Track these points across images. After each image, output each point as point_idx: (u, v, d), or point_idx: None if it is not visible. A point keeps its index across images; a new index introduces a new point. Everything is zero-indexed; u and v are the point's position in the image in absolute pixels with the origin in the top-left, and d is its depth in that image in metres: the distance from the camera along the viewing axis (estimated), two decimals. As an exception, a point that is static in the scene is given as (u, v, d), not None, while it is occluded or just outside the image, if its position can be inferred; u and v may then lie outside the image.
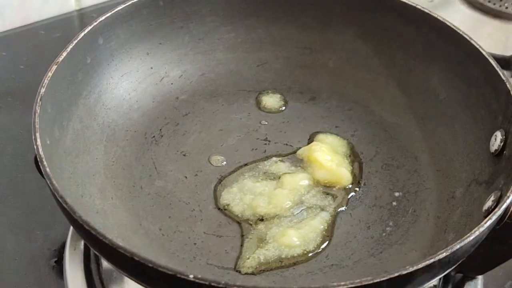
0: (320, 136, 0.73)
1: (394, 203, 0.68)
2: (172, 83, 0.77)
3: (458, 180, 0.68)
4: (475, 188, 0.65)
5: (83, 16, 1.00)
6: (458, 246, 0.54)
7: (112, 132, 0.71)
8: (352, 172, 0.70)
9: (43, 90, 0.63)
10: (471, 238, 0.54)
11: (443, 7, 0.99)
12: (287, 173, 0.69)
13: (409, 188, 0.69)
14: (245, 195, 0.67)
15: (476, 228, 0.55)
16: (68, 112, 0.68)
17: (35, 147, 0.59)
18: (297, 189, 0.67)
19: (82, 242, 0.70)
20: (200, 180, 0.70)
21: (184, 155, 0.72)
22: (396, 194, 0.69)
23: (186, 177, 0.70)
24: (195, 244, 0.64)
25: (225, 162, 0.71)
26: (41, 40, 0.97)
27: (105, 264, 0.69)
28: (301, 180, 0.68)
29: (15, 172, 0.80)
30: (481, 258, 0.65)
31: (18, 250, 0.73)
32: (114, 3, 0.99)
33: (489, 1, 0.96)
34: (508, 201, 0.58)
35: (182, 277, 0.49)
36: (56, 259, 0.73)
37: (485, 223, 0.55)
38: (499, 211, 0.57)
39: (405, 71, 0.76)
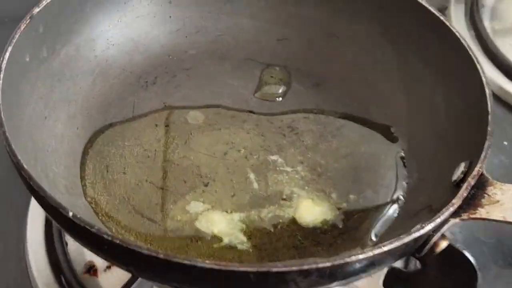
0: None
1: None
2: (186, 36, 0.78)
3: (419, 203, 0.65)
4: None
5: None
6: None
7: (107, 68, 0.74)
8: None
9: (37, 10, 0.66)
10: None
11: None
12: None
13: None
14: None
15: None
16: (65, 37, 0.70)
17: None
18: None
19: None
20: (170, 133, 0.71)
21: (165, 105, 0.73)
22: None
23: (156, 125, 0.71)
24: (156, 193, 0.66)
25: (201, 121, 0.72)
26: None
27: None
28: None
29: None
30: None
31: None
32: None
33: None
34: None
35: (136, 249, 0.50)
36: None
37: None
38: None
39: (415, 79, 0.73)
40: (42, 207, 0.53)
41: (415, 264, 0.71)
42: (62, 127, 0.68)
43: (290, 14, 0.79)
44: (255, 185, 0.66)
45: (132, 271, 0.54)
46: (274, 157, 0.69)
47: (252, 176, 0.67)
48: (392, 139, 0.72)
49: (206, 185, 0.66)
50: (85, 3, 0.71)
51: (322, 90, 0.76)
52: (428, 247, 0.57)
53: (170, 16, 0.77)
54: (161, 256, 0.49)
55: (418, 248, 0.56)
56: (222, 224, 0.63)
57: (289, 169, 0.68)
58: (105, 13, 0.74)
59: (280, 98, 0.75)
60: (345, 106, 0.74)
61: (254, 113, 0.73)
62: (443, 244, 0.57)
